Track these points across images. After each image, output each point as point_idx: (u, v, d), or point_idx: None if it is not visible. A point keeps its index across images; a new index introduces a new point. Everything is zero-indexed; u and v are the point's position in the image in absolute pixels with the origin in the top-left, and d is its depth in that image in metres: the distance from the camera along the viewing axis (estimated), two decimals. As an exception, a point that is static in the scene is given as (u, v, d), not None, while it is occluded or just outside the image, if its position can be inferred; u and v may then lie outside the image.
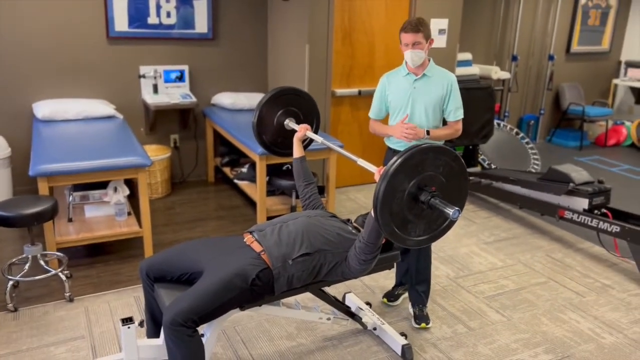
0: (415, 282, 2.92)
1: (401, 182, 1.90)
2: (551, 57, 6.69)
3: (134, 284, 3.21)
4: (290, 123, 2.84)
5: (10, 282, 2.92)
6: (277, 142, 2.91)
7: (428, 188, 1.95)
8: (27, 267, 3.04)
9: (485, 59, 6.33)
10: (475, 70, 5.79)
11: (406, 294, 3.14)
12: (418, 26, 2.60)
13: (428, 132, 2.71)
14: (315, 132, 2.97)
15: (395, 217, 1.94)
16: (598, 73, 7.34)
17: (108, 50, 4.50)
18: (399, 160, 1.89)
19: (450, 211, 1.87)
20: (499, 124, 5.62)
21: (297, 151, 2.75)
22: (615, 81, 7.34)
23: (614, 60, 7.40)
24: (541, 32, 6.60)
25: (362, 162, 2.35)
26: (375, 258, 2.23)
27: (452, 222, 2.04)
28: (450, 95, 2.74)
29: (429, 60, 2.75)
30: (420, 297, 2.93)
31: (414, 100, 2.76)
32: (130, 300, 3.04)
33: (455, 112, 2.77)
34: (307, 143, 2.85)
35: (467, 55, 5.85)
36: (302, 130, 2.73)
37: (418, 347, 2.72)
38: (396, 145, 2.84)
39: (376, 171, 2.18)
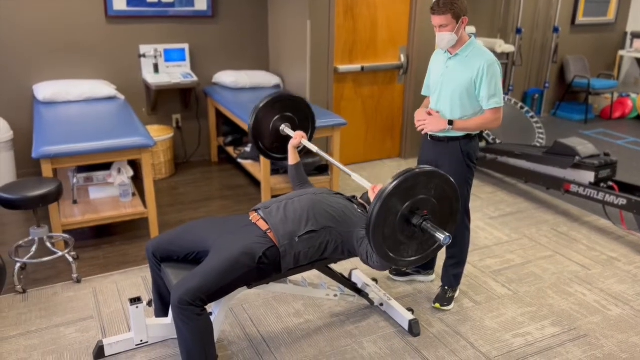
0: (448, 264, 2.85)
1: (394, 205, 1.92)
2: (556, 29, 6.58)
3: (140, 264, 3.22)
4: (285, 129, 2.83)
5: (18, 265, 2.94)
6: (273, 147, 2.91)
7: (420, 212, 1.97)
8: (33, 249, 3.05)
9: (489, 32, 6.23)
10: (479, 43, 5.70)
11: (414, 276, 3.11)
12: (444, 7, 2.38)
13: (451, 123, 2.52)
14: (311, 137, 2.96)
15: (387, 240, 1.96)
16: (603, 45, 7.24)
17: (107, 29, 4.44)
18: (393, 184, 1.89)
19: (441, 237, 1.90)
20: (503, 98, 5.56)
21: (292, 158, 2.74)
22: (620, 53, 7.24)
23: (619, 32, 7.29)
24: (546, 4, 6.48)
25: (356, 177, 2.31)
26: None
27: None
28: (483, 79, 2.47)
29: (470, 37, 2.53)
30: (449, 279, 2.86)
31: (443, 83, 2.58)
32: (138, 280, 3.06)
33: (490, 99, 2.49)
34: (302, 149, 2.82)
35: (470, 29, 5.76)
36: (297, 138, 2.71)
37: (425, 322, 2.73)
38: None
39: (370, 188, 2.16)
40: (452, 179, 2.02)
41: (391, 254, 2.00)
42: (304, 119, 2.92)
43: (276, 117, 2.83)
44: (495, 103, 2.51)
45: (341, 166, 2.45)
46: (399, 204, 1.92)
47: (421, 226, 1.95)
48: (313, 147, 2.67)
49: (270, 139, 2.86)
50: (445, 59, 2.60)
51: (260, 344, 2.55)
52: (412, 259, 2.06)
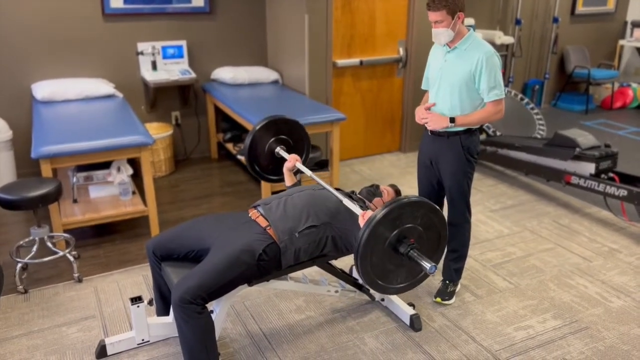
0: (449, 258, 2.85)
1: (382, 233, 1.94)
2: (555, 20, 6.55)
3: (141, 262, 3.23)
4: (281, 151, 2.85)
5: (19, 265, 2.94)
6: (268, 169, 2.92)
7: (407, 240, 1.98)
8: (34, 249, 3.05)
9: (488, 23, 6.20)
10: (478, 35, 5.68)
11: None
12: (439, 3, 2.38)
13: (453, 120, 2.53)
14: (306, 159, 2.98)
15: (375, 267, 1.98)
16: (603, 34, 7.20)
17: (104, 27, 4.43)
18: (382, 213, 1.90)
19: (427, 266, 1.93)
20: (503, 90, 5.53)
21: (289, 180, 2.75)
22: (621, 42, 7.20)
23: (619, 21, 7.25)
24: (545, -6, 6.45)
25: (347, 202, 2.29)
26: None
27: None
28: (482, 72, 2.45)
29: (468, 30, 2.53)
30: (450, 273, 2.86)
31: (442, 76, 2.57)
32: (139, 278, 3.06)
33: (490, 91, 2.48)
34: (296, 170, 2.81)
35: (469, 21, 5.73)
36: (291, 161, 2.71)
37: (426, 316, 2.73)
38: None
39: (360, 215, 2.16)
40: (438, 208, 2.04)
41: (379, 282, 2.02)
42: (298, 140, 2.95)
43: (271, 140, 2.87)
44: (495, 95, 2.50)
45: (333, 190, 2.41)
46: (387, 233, 1.95)
47: (408, 254, 1.97)
48: (307, 171, 2.67)
49: (265, 161, 2.89)
50: (444, 52, 2.59)
51: (261, 341, 2.55)
52: (401, 286, 2.09)
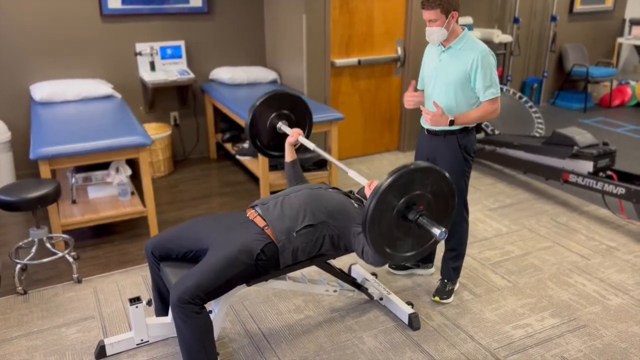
0: (448, 257, 2.85)
1: (390, 201, 1.93)
2: (554, 18, 6.55)
3: (140, 262, 3.23)
4: (282, 126, 2.83)
5: (19, 266, 2.95)
6: (270, 145, 2.91)
7: (416, 207, 1.97)
8: (34, 250, 3.05)
9: (486, 22, 6.21)
10: (476, 34, 5.69)
11: (414, 270, 3.12)
12: (433, 2, 2.39)
13: (452, 123, 2.52)
14: (308, 134, 2.96)
15: (384, 236, 1.97)
16: (602, 32, 7.20)
17: (103, 28, 4.43)
18: (388, 181, 1.90)
19: (436, 232, 1.92)
20: (501, 89, 5.54)
21: (289, 155, 2.74)
22: (619, 40, 7.20)
23: (618, 19, 7.25)
24: (543, -7, 6.45)
25: (352, 174, 2.30)
26: None
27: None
28: (477, 71, 2.46)
29: (463, 29, 2.53)
30: (448, 271, 2.85)
31: (437, 76, 2.58)
32: (138, 279, 3.07)
33: (486, 90, 2.49)
34: (299, 146, 2.81)
35: (467, 19, 5.74)
36: (294, 136, 2.70)
37: (425, 315, 2.74)
38: (427, 125, 2.68)
39: (366, 185, 2.17)
40: (448, 175, 2.03)
41: (388, 250, 2.01)
42: (301, 116, 2.92)
43: (273, 115, 2.83)
44: (492, 94, 2.51)
45: (338, 163, 2.44)
46: (395, 200, 1.93)
47: (417, 221, 1.95)
48: (310, 144, 2.67)
49: (267, 137, 2.86)
50: (438, 52, 2.60)
51: (260, 341, 2.56)
52: (409, 254, 2.07)
